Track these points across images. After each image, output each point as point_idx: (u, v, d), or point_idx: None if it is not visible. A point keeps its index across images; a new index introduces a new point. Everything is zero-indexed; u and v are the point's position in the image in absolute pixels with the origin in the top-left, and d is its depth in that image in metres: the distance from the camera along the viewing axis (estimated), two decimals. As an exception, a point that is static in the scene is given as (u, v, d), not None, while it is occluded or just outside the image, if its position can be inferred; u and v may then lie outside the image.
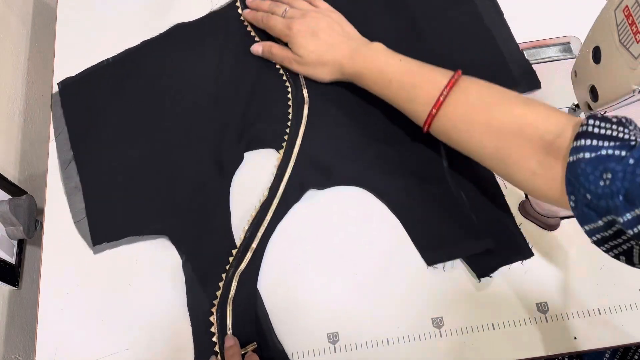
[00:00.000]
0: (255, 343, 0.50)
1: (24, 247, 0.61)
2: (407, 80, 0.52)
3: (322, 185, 0.57)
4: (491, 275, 0.52)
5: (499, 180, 0.56)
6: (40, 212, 0.60)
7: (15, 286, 0.58)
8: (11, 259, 0.58)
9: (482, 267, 0.52)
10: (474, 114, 0.48)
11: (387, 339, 0.51)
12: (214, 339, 0.51)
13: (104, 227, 0.56)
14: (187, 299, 0.53)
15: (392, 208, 0.56)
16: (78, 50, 0.66)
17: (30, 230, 0.58)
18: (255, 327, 0.51)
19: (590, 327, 0.50)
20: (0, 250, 0.56)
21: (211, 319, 0.51)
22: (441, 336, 0.51)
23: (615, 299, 0.51)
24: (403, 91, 0.53)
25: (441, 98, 0.49)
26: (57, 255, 0.56)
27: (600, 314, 0.50)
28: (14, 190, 0.59)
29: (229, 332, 0.50)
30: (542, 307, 0.51)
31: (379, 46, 0.57)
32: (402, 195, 0.56)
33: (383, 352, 0.50)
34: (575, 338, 0.50)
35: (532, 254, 0.53)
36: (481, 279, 0.52)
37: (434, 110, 0.50)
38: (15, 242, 0.60)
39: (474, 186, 0.56)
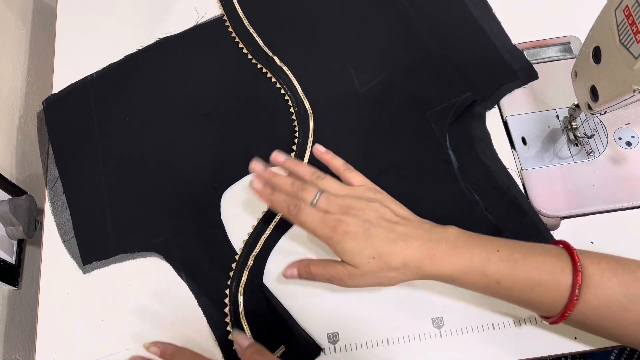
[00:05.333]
0: (283, 346, 0.50)
1: (24, 247, 0.61)
2: (521, 279, 0.43)
3: None
4: None
5: (511, 170, 0.56)
6: (40, 212, 0.60)
7: (15, 286, 0.58)
8: (11, 259, 0.58)
9: None
10: (621, 311, 0.41)
11: (387, 339, 0.51)
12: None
13: (94, 245, 0.56)
14: (202, 310, 0.53)
15: None
16: (78, 50, 0.66)
17: (30, 230, 0.58)
18: (273, 332, 0.51)
19: (590, 327, 0.50)
20: (0, 250, 0.56)
21: (230, 337, 0.51)
22: (441, 336, 0.51)
23: (615, 299, 0.51)
24: (517, 291, 0.44)
25: (575, 299, 0.41)
26: (57, 255, 0.56)
27: (600, 314, 0.50)
28: (14, 190, 0.59)
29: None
30: (542, 307, 0.51)
31: (456, 236, 0.45)
32: (415, 202, 0.55)
33: (383, 352, 0.50)
34: (575, 338, 0.50)
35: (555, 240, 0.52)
36: None
37: (567, 314, 0.42)
38: (15, 242, 0.60)
39: (487, 182, 0.55)
